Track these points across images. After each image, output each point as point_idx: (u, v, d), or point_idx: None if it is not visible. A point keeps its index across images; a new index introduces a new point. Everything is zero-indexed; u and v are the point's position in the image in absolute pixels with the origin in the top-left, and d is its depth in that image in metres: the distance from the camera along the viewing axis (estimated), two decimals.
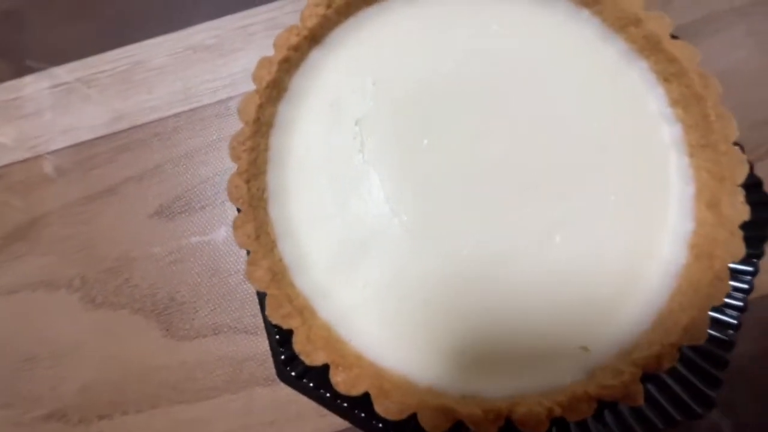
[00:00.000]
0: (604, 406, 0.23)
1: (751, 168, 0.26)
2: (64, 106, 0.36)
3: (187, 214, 0.33)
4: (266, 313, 0.22)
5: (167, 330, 0.31)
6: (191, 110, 0.36)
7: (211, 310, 0.31)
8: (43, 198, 0.34)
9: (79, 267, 0.33)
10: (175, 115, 0.36)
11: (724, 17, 0.34)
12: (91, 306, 0.32)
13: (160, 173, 0.34)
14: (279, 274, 0.23)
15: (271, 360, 0.26)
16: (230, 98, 0.36)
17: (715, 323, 0.24)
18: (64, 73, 0.37)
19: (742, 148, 0.25)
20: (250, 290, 0.32)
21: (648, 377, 0.23)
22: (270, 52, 0.37)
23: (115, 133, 0.35)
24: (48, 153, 0.35)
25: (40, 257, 0.33)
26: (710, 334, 0.24)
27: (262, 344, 0.30)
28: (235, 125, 0.35)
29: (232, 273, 0.32)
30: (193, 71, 0.36)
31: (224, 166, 0.34)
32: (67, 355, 0.31)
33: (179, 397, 0.30)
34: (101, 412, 0.30)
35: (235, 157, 0.24)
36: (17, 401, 0.31)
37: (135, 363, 0.31)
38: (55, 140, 0.35)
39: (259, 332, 0.31)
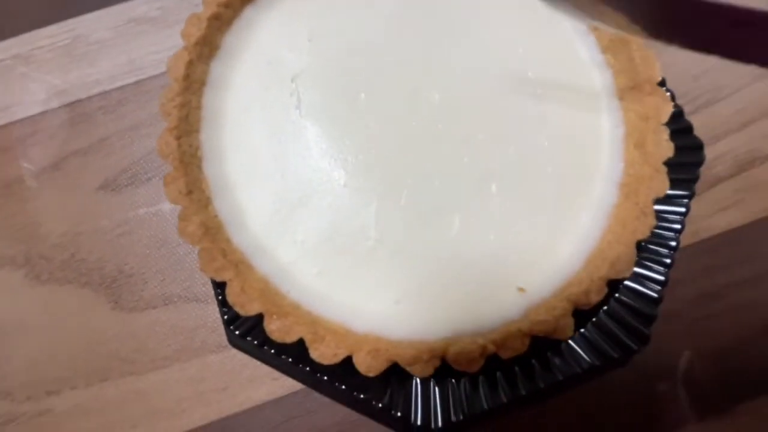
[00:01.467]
0: (545, 348, 0.24)
1: (682, 114, 0.26)
2: (2, 83, 0.35)
3: (133, 186, 0.33)
4: (199, 266, 0.21)
5: (116, 302, 0.31)
6: (136, 82, 0.35)
7: (161, 281, 0.31)
8: None
9: (23, 244, 0.32)
10: (120, 88, 0.35)
11: None
12: (36, 282, 0.31)
13: (105, 147, 0.34)
14: (213, 229, 0.23)
15: (222, 327, 0.26)
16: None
17: (650, 262, 0.25)
18: (0, 49, 0.35)
19: (673, 96, 0.26)
20: None
21: (587, 319, 0.24)
22: None
23: (56, 108, 0.34)
24: None
25: None
26: (644, 274, 0.24)
27: (212, 312, 0.30)
28: None
29: (181, 243, 0.32)
30: (136, 43, 0.36)
31: None
32: (11, 334, 0.30)
33: (130, 369, 0.29)
34: (49, 388, 0.29)
35: (165, 114, 0.23)
36: None
37: (83, 337, 0.30)
38: None
39: (209, 300, 0.30)
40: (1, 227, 0.32)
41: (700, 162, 0.26)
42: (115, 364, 0.30)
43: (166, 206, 0.32)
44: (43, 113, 0.34)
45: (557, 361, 0.24)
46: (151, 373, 0.29)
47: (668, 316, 0.25)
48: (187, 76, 0.24)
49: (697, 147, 0.26)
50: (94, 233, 0.32)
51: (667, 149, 0.22)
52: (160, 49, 0.35)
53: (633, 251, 0.21)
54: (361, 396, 0.23)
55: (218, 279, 0.21)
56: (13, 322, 0.31)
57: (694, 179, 0.26)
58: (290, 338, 0.21)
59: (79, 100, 0.35)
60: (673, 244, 0.25)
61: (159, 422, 0.29)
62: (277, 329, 0.21)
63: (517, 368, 0.24)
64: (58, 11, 0.36)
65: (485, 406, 0.23)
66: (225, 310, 0.25)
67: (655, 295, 0.24)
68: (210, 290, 0.31)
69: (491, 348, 0.20)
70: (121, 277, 0.31)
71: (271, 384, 0.29)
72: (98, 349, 0.30)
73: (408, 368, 0.20)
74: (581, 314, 0.22)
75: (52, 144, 0.34)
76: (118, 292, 0.31)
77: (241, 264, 0.23)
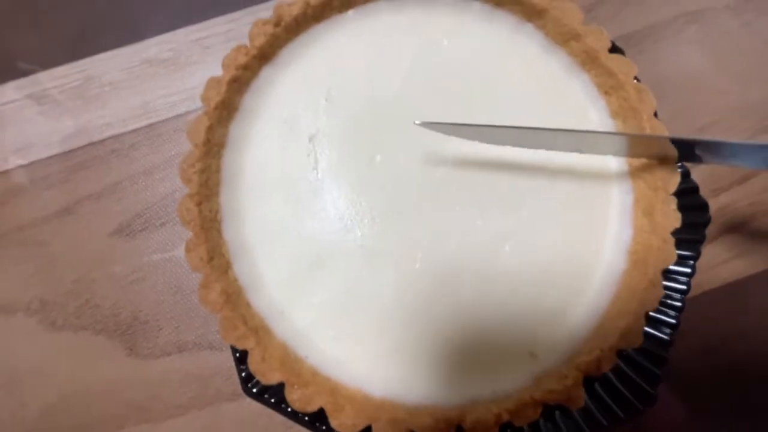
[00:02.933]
0: (554, 407, 0.24)
1: (688, 174, 0.27)
2: (15, 124, 0.35)
3: (147, 231, 0.33)
4: (221, 335, 0.22)
5: (131, 349, 0.31)
6: (149, 126, 0.35)
7: (175, 328, 0.31)
8: None
9: (37, 289, 0.32)
10: (133, 131, 0.35)
11: (672, 24, 0.36)
12: (51, 329, 0.31)
13: (118, 191, 0.34)
14: (234, 295, 0.23)
15: (236, 375, 0.26)
16: (189, 112, 0.35)
17: (656, 323, 0.25)
18: (12, 90, 0.36)
19: None
20: None
21: (594, 377, 0.25)
22: None
23: (69, 151, 0.35)
24: None
25: None
26: (650, 334, 0.25)
27: (227, 360, 0.31)
28: None
29: (195, 290, 0.32)
30: (148, 85, 0.36)
31: None
32: (27, 380, 0.31)
33: (145, 416, 0.30)
34: None
35: (186, 180, 0.24)
36: None
37: (99, 384, 0.31)
38: (6, 160, 0.35)
39: (224, 348, 0.31)
40: (15, 272, 0.33)
41: (705, 223, 0.26)
42: (131, 411, 0.30)
43: (180, 252, 0.33)
44: (55, 156, 0.35)
45: (566, 421, 0.24)
46: (167, 421, 0.30)
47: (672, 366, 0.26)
48: (207, 141, 0.24)
49: (703, 207, 0.27)
50: (108, 279, 0.32)
51: (675, 220, 0.23)
52: (172, 92, 0.36)
53: (642, 323, 0.22)
54: None
55: (240, 347, 0.22)
56: (28, 368, 0.31)
57: (700, 240, 0.26)
58: (311, 408, 0.21)
59: (92, 143, 0.35)
60: (679, 305, 0.26)
61: None
62: (298, 399, 0.21)
63: (526, 428, 0.24)
64: (70, 51, 0.36)
65: None
66: (243, 368, 0.25)
67: (663, 356, 0.25)
68: None
69: (506, 417, 0.21)
70: (135, 324, 0.31)
71: None
72: (114, 397, 0.30)
73: None
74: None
75: (65, 188, 0.34)
76: (133, 339, 0.31)
77: (260, 330, 0.23)
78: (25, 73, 0.36)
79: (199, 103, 0.35)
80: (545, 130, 0.23)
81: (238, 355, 0.26)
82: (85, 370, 0.31)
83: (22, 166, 0.35)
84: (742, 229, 0.31)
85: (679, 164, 0.25)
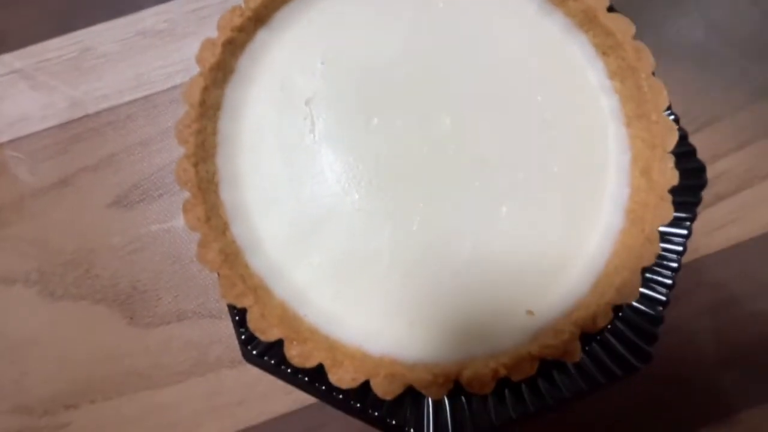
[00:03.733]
0: (551, 366, 0.25)
1: (686, 137, 0.27)
2: (10, 97, 0.35)
3: (145, 202, 0.33)
4: (220, 293, 0.22)
5: (131, 318, 0.31)
6: (144, 97, 0.35)
7: (174, 297, 0.32)
8: None
9: (36, 261, 0.32)
10: (128, 103, 0.35)
11: None
12: (50, 299, 0.32)
13: (115, 162, 0.34)
14: (232, 255, 0.23)
15: (236, 342, 0.27)
16: (184, 83, 0.35)
17: (652, 283, 0.26)
18: (6, 62, 0.35)
19: (677, 119, 0.27)
20: (213, 275, 0.32)
21: (591, 337, 0.25)
22: None
23: (65, 123, 0.35)
24: None
25: None
26: (647, 294, 0.25)
27: (227, 327, 0.31)
28: None
29: (193, 259, 0.32)
30: (144, 57, 0.36)
31: (180, 152, 0.34)
32: (28, 349, 0.31)
33: (146, 383, 0.30)
34: (67, 402, 0.30)
35: (182, 141, 0.24)
36: None
37: (100, 352, 0.31)
38: (2, 133, 0.34)
39: (223, 316, 0.31)
40: (13, 244, 0.33)
41: (702, 185, 0.27)
42: (132, 379, 0.30)
43: (179, 223, 0.33)
44: (51, 128, 0.34)
45: (563, 379, 0.25)
46: (167, 388, 0.30)
47: (668, 330, 0.26)
48: (203, 102, 0.24)
49: (700, 170, 0.27)
50: (107, 250, 0.32)
51: (672, 178, 0.23)
52: (168, 63, 0.35)
53: (639, 278, 0.22)
54: (375, 414, 0.24)
55: (239, 305, 0.22)
56: (28, 338, 0.31)
57: (697, 202, 0.27)
58: (310, 363, 0.21)
59: (87, 116, 0.35)
60: (675, 265, 0.26)
61: None
62: (297, 355, 0.22)
63: (524, 386, 0.25)
64: (65, 22, 0.36)
65: (494, 422, 0.24)
66: (242, 330, 0.26)
67: (657, 315, 0.25)
68: (223, 306, 0.31)
69: (503, 371, 0.21)
70: (134, 293, 0.32)
71: (286, 398, 0.30)
72: (115, 365, 0.31)
73: (423, 391, 0.21)
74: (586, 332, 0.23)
75: (62, 160, 0.34)
76: (133, 308, 0.31)
77: (259, 289, 0.23)
78: (19, 46, 0.36)
79: (193, 74, 0.35)
80: None
81: (237, 318, 0.26)
82: (86, 338, 0.31)
83: (18, 139, 0.34)
84: (738, 195, 0.31)
85: (678, 127, 0.25)
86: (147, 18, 0.36)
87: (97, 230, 0.33)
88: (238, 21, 0.25)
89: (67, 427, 0.30)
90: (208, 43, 0.25)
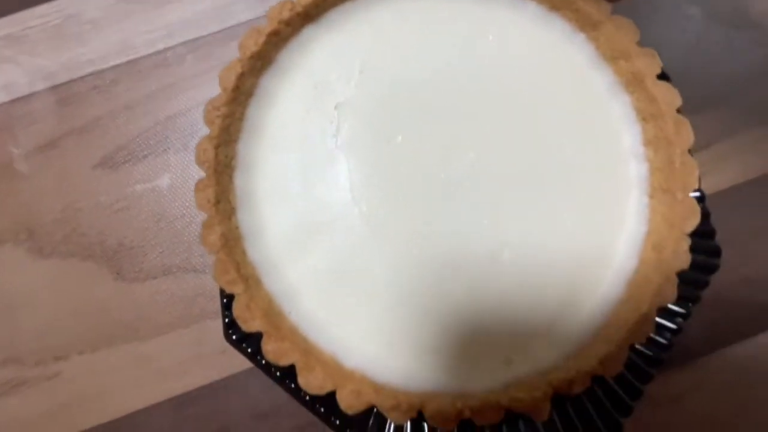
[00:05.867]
0: (520, 416, 0.23)
1: (708, 216, 0.25)
2: None
3: (130, 163, 0.34)
4: (213, 275, 0.22)
5: (118, 273, 0.32)
6: (129, 62, 0.36)
7: (160, 253, 0.33)
8: None
9: (25, 221, 0.33)
10: (113, 68, 0.36)
11: None
12: (39, 256, 0.33)
13: (101, 126, 0.35)
14: (232, 240, 0.23)
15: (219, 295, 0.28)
16: (168, 48, 0.36)
17: (640, 356, 0.25)
18: None
19: (703, 196, 0.25)
20: (196, 233, 0.33)
21: (566, 397, 0.23)
22: (207, 4, 0.37)
23: (51, 88, 0.35)
24: None
25: None
26: (635, 362, 0.24)
27: (210, 281, 0.32)
28: (175, 75, 0.36)
29: (178, 217, 0.33)
30: (128, 23, 0.36)
31: (165, 115, 0.35)
32: (18, 306, 0.32)
33: (134, 335, 0.31)
34: (57, 353, 0.31)
35: (209, 122, 0.24)
36: None
37: (88, 307, 0.32)
38: None
39: (207, 271, 0.32)
40: (1, 205, 0.34)
41: (713, 268, 0.25)
42: (120, 331, 0.31)
43: (163, 182, 0.34)
44: (37, 93, 0.35)
45: (528, 430, 0.24)
46: (154, 339, 0.31)
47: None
48: (236, 88, 0.24)
49: (714, 253, 0.25)
50: (94, 209, 0.33)
51: (685, 261, 0.22)
52: (152, 28, 0.36)
53: (625, 354, 0.21)
54: (337, 422, 0.24)
55: (228, 291, 0.22)
56: (19, 294, 0.32)
57: (703, 285, 0.25)
58: (283, 362, 0.22)
59: (72, 80, 0.35)
60: (666, 342, 0.25)
61: (163, 383, 0.31)
62: (272, 350, 0.22)
63: (487, 429, 0.24)
64: None
65: None
66: (227, 313, 0.26)
67: (638, 388, 0.24)
68: (207, 261, 0.32)
69: (467, 414, 0.21)
70: (121, 249, 0.33)
71: None
72: (103, 318, 0.32)
73: (385, 413, 0.21)
74: None
75: (48, 123, 0.35)
76: (120, 263, 0.32)
77: (251, 279, 0.23)
78: (3, 14, 0.37)
79: (177, 39, 0.36)
80: None
81: (225, 300, 0.26)
82: (75, 294, 0.32)
83: (4, 103, 0.35)
84: None
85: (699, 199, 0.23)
86: None
87: (84, 190, 0.34)
88: (287, 15, 0.25)
89: (57, 376, 0.31)
90: (253, 31, 0.25)
